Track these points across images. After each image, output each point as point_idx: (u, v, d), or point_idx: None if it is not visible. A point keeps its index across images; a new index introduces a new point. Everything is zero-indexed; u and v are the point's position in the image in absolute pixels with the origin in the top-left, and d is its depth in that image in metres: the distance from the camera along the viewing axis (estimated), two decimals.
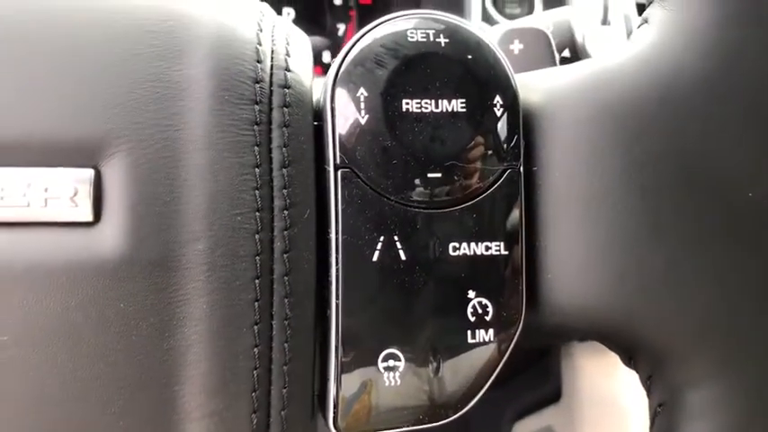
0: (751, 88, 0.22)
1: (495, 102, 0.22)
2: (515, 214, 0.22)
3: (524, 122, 0.23)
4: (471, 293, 0.22)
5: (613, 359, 0.25)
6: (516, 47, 0.32)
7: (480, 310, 0.22)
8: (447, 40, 0.22)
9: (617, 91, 0.22)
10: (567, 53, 0.35)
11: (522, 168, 0.23)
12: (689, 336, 0.22)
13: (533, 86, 0.24)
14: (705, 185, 0.22)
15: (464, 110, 0.22)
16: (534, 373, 0.75)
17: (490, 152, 0.22)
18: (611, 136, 0.22)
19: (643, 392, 0.24)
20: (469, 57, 0.22)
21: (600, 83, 0.23)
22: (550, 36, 0.32)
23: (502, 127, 0.22)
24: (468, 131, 0.22)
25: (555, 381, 0.73)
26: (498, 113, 0.22)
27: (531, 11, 0.70)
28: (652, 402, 0.23)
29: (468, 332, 0.22)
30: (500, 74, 0.23)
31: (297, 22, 0.74)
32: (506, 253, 0.22)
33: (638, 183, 0.22)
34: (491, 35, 0.36)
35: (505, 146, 0.22)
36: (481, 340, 0.22)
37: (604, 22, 0.63)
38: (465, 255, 0.22)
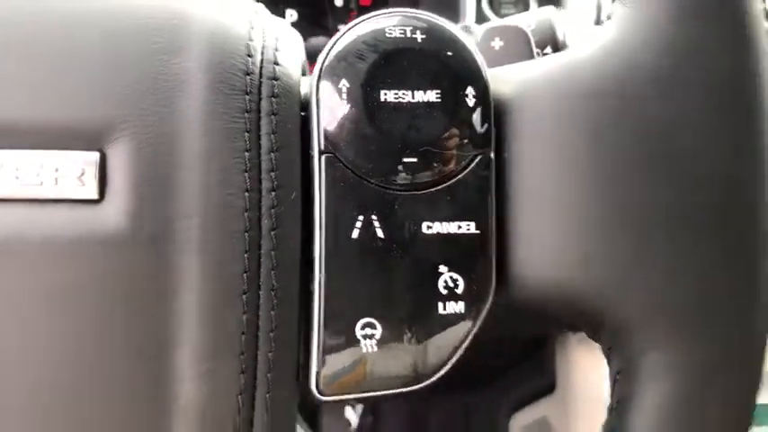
0: (709, 83, 0.23)
1: (467, 93, 0.24)
2: (486, 196, 0.24)
3: (497, 112, 0.25)
4: (443, 268, 0.24)
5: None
6: (497, 44, 0.34)
7: (451, 284, 0.24)
8: (423, 37, 0.24)
9: (580, 83, 0.24)
10: (549, 50, 0.36)
11: (493, 155, 0.24)
12: (646, 311, 0.23)
13: (506, 79, 0.25)
14: (668, 179, 0.23)
15: (438, 100, 0.24)
16: (529, 366, 0.76)
17: (463, 140, 0.24)
18: (576, 127, 0.24)
19: None
20: (444, 52, 0.24)
21: (565, 75, 0.24)
22: (529, 33, 0.34)
23: (474, 116, 0.24)
24: (442, 120, 0.24)
25: (550, 374, 0.74)
26: (470, 104, 0.24)
27: (526, 11, 0.71)
28: (612, 371, 0.25)
29: (440, 304, 0.24)
30: (472, 67, 0.24)
31: (299, 23, 0.76)
32: (477, 232, 0.24)
33: (599, 172, 0.23)
34: (478, 33, 0.37)
35: (477, 133, 0.24)
36: (452, 312, 0.24)
37: (598, 21, 0.64)
38: (438, 233, 0.24)
